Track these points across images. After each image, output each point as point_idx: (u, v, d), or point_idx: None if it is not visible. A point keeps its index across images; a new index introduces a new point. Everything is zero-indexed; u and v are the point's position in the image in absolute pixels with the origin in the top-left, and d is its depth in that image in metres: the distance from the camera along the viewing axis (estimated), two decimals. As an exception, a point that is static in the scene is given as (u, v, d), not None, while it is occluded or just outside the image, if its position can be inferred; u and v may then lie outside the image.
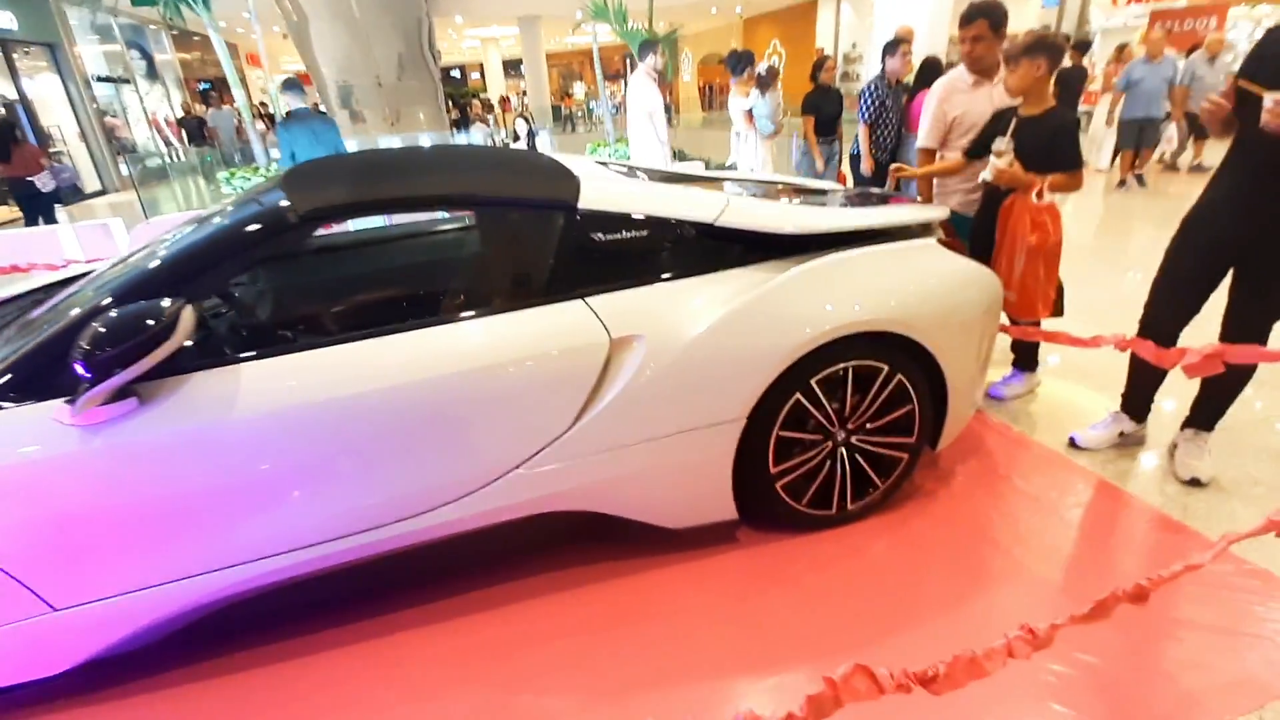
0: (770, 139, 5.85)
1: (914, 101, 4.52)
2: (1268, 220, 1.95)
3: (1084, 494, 2.29)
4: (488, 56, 28.92)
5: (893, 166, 2.92)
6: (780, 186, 2.63)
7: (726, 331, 1.80)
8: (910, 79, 4.91)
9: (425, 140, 10.70)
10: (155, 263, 1.61)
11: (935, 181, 2.95)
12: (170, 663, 1.79)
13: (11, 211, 7.41)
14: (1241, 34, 9.35)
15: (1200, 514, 2.13)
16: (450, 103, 11.99)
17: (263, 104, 22.56)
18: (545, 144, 8.26)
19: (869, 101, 4.75)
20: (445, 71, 31.38)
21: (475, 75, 32.77)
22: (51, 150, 11.51)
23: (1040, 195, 2.47)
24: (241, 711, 1.66)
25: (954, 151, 2.84)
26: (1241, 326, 2.09)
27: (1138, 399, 2.45)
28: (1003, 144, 2.49)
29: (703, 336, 1.78)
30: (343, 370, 1.60)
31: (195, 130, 13.59)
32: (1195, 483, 2.25)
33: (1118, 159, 7.48)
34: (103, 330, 1.37)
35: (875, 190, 2.64)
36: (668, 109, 5.60)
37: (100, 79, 13.54)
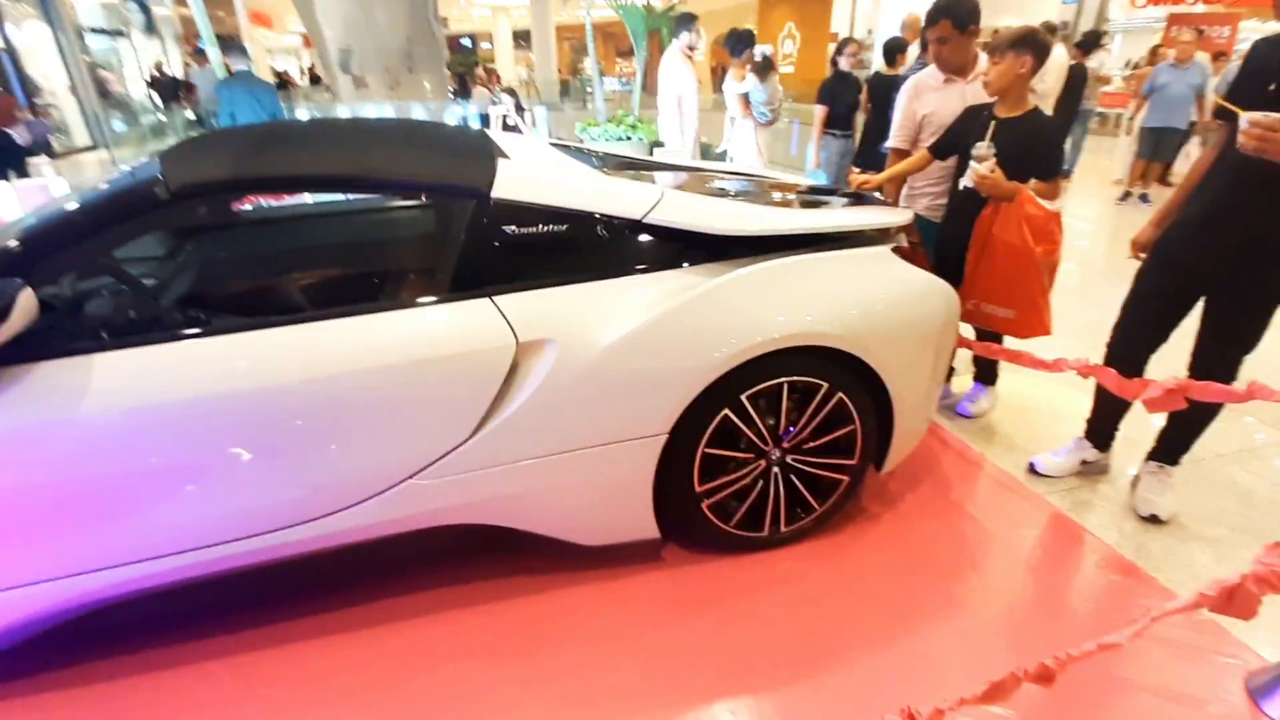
0: (766, 127, 5.60)
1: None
2: (1240, 244, 1.80)
3: (1037, 526, 2.15)
4: (497, 26, 28.38)
5: (854, 174, 2.65)
6: (771, 184, 2.46)
7: (647, 340, 1.65)
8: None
9: (421, 109, 10.42)
10: (9, 239, 1.46)
11: (906, 183, 2.77)
12: (41, 664, 1.67)
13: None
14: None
15: (1156, 556, 2.00)
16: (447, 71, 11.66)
17: (283, 73, 21.95)
18: (539, 122, 8.01)
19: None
20: (455, 40, 30.93)
21: (486, 45, 32.17)
22: (39, 102, 11.26)
23: (1033, 205, 2.29)
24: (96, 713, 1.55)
25: (922, 151, 2.66)
26: (1209, 361, 1.94)
27: (1102, 427, 2.31)
28: (983, 149, 2.31)
29: (620, 344, 1.64)
30: (208, 366, 1.45)
31: (170, 91, 12.77)
32: (1154, 519, 2.12)
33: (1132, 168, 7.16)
34: None
35: (863, 192, 2.45)
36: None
37: (92, 30, 13.22)
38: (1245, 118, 1.50)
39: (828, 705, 1.56)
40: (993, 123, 2.33)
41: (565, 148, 2.46)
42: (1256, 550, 1.41)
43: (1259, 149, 1.50)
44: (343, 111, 9.38)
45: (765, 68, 5.45)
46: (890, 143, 2.76)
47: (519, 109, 6.56)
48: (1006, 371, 2.98)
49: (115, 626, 1.73)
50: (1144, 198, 6.86)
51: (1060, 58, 5.62)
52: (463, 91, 11.66)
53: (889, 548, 2.05)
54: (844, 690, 1.59)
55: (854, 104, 5.31)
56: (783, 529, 2.00)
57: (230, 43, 5.21)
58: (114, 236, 1.51)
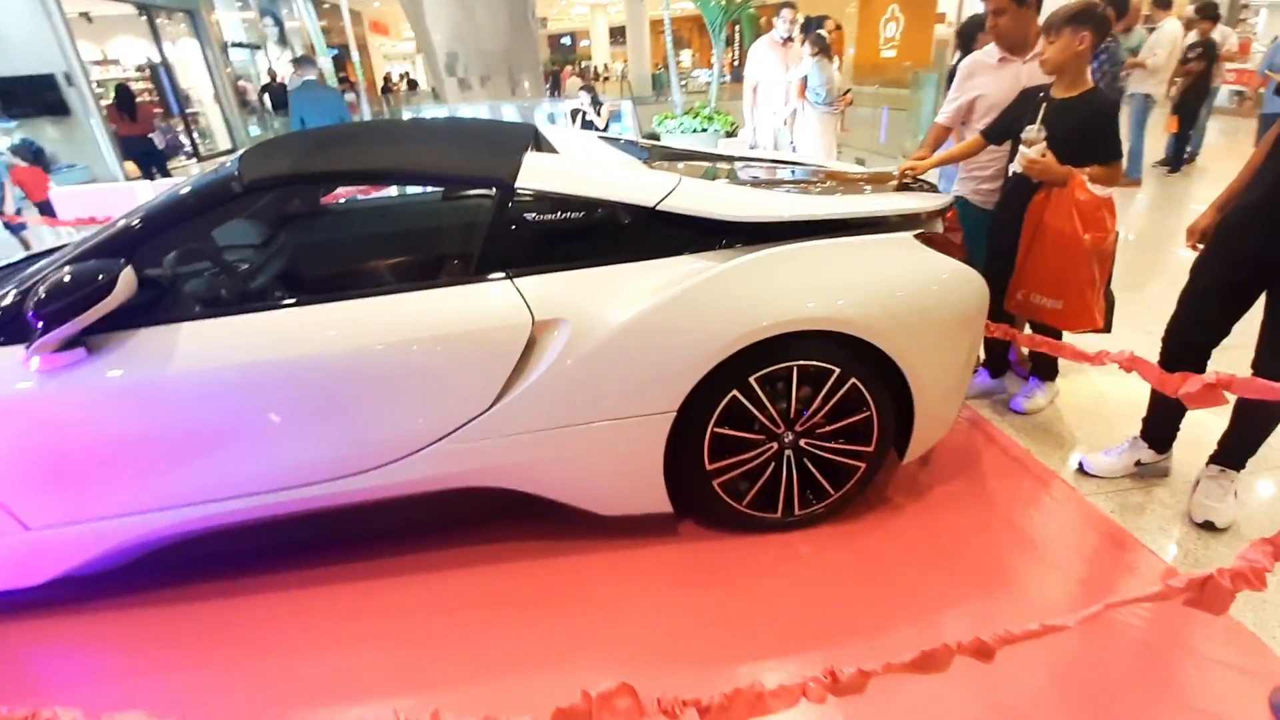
0: (826, 110, 5.47)
1: None
2: None
3: (1069, 526, 2.06)
4: (594, 23, 28.91)
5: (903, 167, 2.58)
6: (813, 171, 2.47)
7: (653, 322, 1.74)
8: None
9: (510, 109, 10.89)
10: (119, 225, 1.76)
11: (959, 167, 2.68)
12: (135, 585, 1.99)
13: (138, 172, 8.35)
14: None
15: (1203, 565, 1.86)
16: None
17: (387, 76, 23.21)
18: (626, 116, 8.16)
19: None
20: (555, 39, 31.82)
21: (585, 43, 32.86)
22: (188, 111, 12.71)
23: (1083, 190, 2.18)
24: (173, 632, 1.84)
25: (975, 135, 2.56)
26: (1272, 356, 1.78)
27: (1160, 426, 2.16)
28: (1033, 132, 2.21)
29: (628, 324, 1.73)
30: (274, 335, 1.69)
31: (280, 98, 12.80)
32: (1209, 526, 1.97)
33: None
34: (53, 285, 1.52)
35: (909, 177, 2.39)
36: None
37: (234, 44, 14.73)
38: None
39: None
40: (1044, 104, 2.22)
41: (614, 141, 2.57)
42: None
43: None
44: (439, 112, 9.92)
45: (824, 46, 5.34)
46: (937, 119, 2.68)
47: (595, 103, 6.74)
48: (1070, 369, 2.82)
49: (196, 559, 2.03)
50: None
51: (1174, 30, 5.13)
52: (554, 89, 12.07)
53: (910, 539, 2.03)
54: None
55: None
56: (796, 512, 2.03)
57: (302, 59, 5.93)
58: (200, 224, 1.78)
